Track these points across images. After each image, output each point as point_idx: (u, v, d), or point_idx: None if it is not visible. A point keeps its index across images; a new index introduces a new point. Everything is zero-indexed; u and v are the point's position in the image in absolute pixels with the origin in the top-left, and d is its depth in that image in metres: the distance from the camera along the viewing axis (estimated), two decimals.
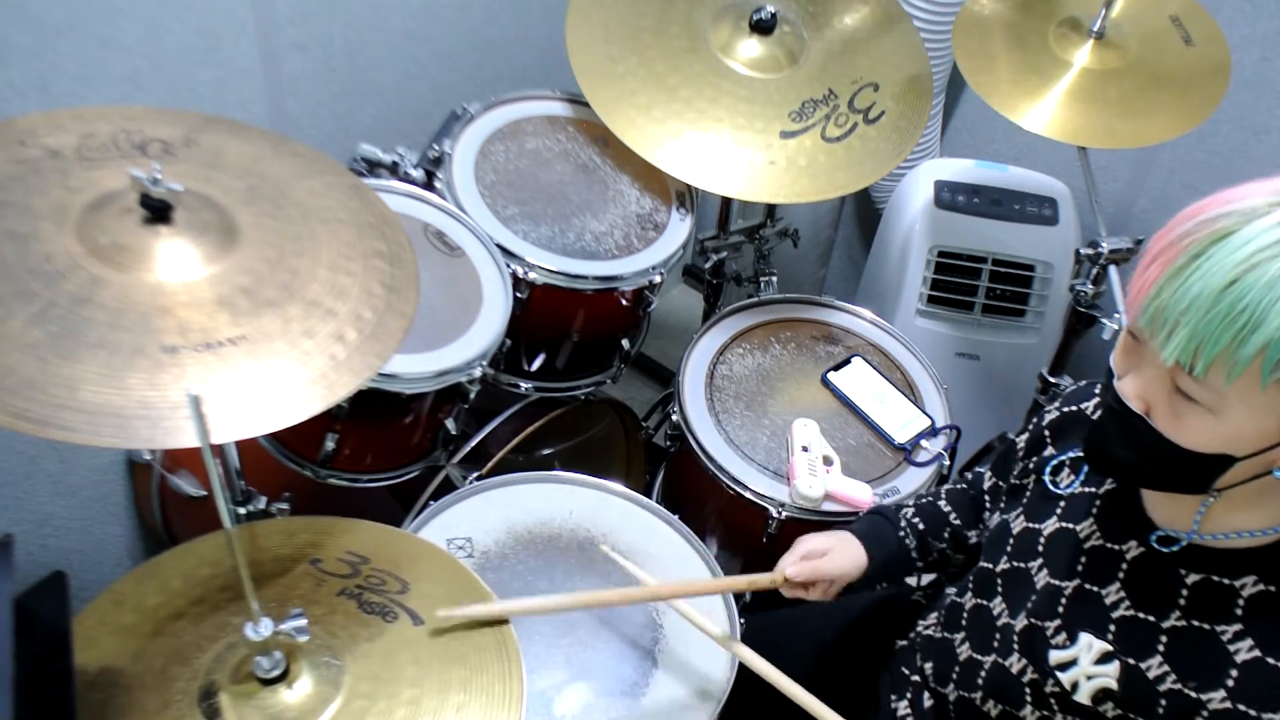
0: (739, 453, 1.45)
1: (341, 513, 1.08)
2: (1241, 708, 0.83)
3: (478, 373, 1.33)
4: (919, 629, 1.21)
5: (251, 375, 0.83)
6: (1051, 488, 1.04)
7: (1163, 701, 0.87)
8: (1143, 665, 0.89)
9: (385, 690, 0.89)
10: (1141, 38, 1.55)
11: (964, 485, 1.26)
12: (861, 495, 1.40)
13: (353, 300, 0.92)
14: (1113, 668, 0.91)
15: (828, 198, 1.53)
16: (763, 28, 1.56)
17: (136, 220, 0.86)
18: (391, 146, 1.52)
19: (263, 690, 0.86)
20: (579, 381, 1.65)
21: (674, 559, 1.31)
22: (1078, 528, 0.99)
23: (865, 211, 2.48)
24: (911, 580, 1.59)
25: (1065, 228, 1.97)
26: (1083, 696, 0.93)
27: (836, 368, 1.60)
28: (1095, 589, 0.95)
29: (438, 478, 1.50)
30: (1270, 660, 0.82)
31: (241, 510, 1.19)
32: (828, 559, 1.16)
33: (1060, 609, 0.97)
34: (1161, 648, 0.88)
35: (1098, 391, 1.07)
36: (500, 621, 0.98)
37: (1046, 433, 1.09)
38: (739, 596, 1.29)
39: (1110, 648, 0.92)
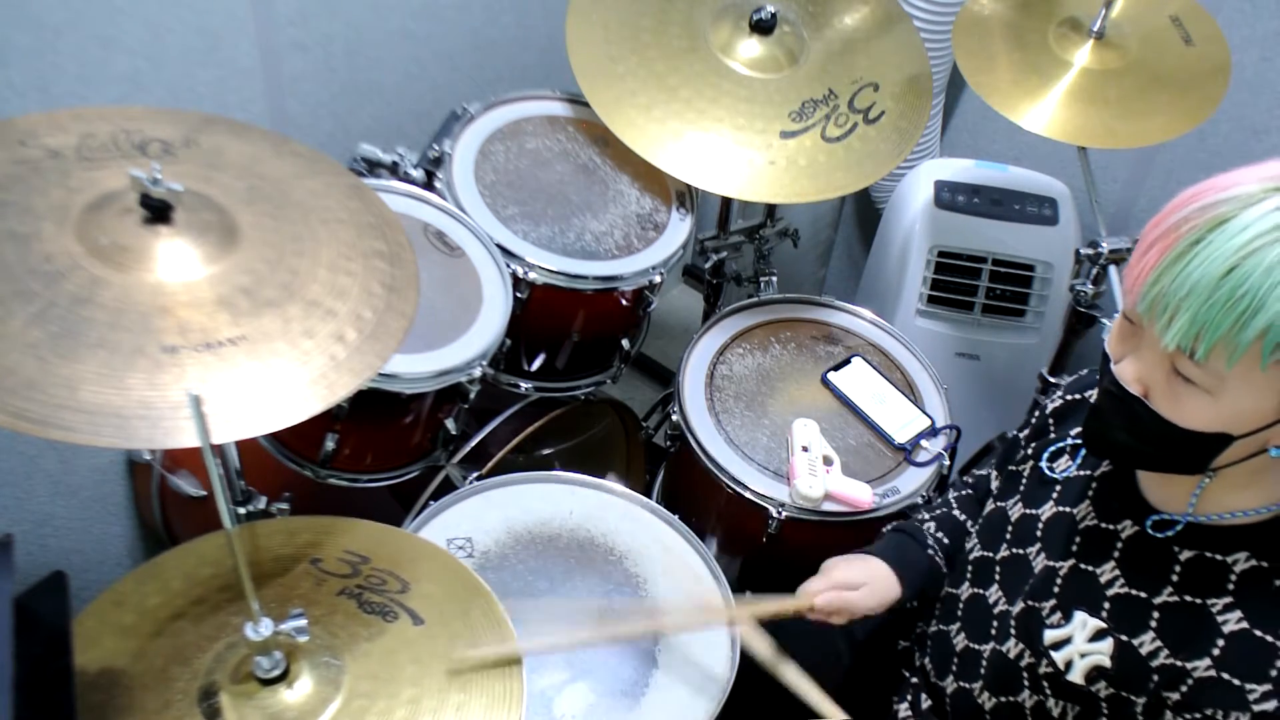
0: (739, 453, 1.45)
1: (341, 513, 1.08)
2: (1225, 676, 0.84)
3: (478, 373, 1.33)
4: (919, 628, 1.22)
5: (251, 375, 0.83)
6: (1048, 473, 1.05)
7: (1154, 677, 0.88)
8: (1135, 641, 0.90)
9: (385, 690, 0.89)
10: (1141, 38, 1.55)
11: (968, 491, 1.26)
12: (861, 495, 1.40)
13: (353, 300, 0.92)
14: (1106, 645, 0.92)
15: (828, 198, 1.53)
16: (763, 28, 1.56)
17: (136, 220, 0.86)
18: (391, 146, 1.52)
19: (263, 690, 0.86)
20: (579, 381, 1.65)
21: (674, 559, 1.31)
22: (1074, 510, 1.00)
23: (865, 211, 2.48)
24: None
25: (1065, 228, 1.97)
26: (1076, 676, 0.94)
27: (836, 368, 1.60)
28: (1090, 568, 0.96)
29: (438, 478, 1.50)
30: (1257, 632, 0.84)
31: (241, 510, 1.19)
32: (861, 594, 1.14)
33: (1056, 589, 0.98)
34: (1154, 623, 0.90)
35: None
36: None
37: (1050, 420, 1.11)
38: (738, 582, 1.29)
39: (1104, 625, 0.93)
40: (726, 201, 1.85)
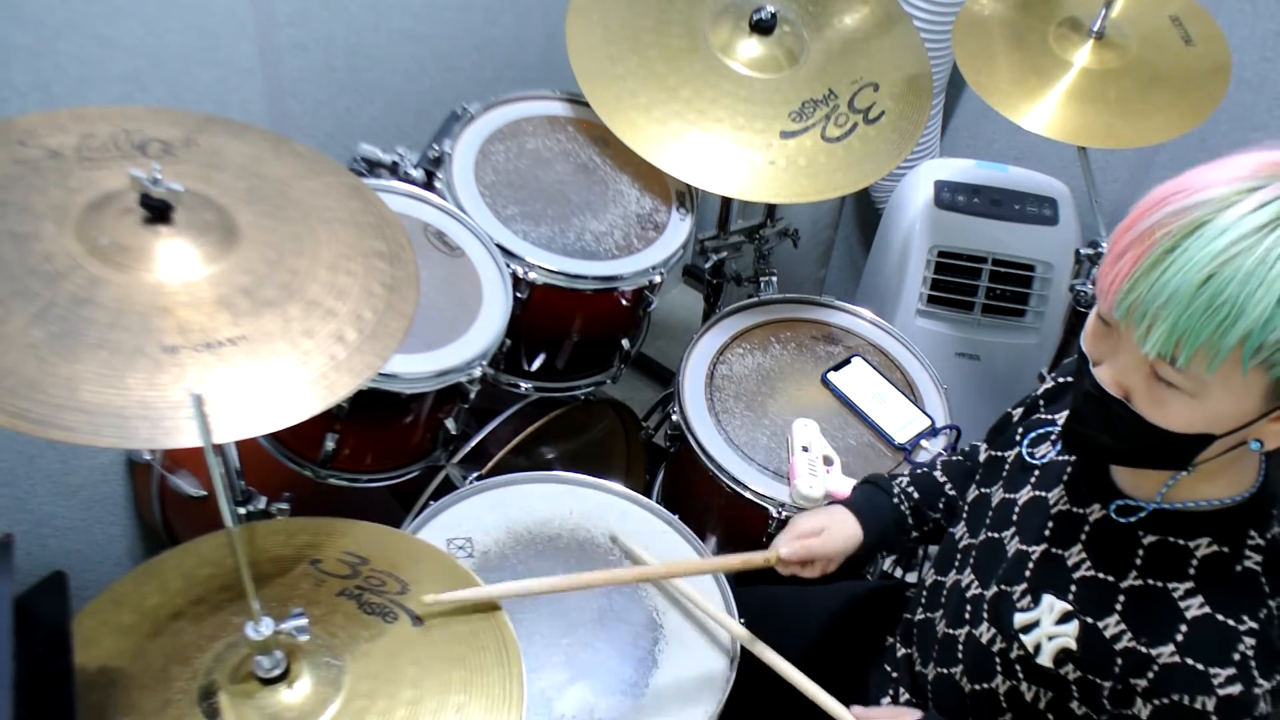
0: (739, 453, 1.45)
1: (341, 513, 1.08)
2: (1190, 661, 0.84)
3: (478, 373, 1.33)
4: (905, 618, 1.22)
5: (251, 375, 0.83)
6: (1029, 459, 1.06)
7: (1119, 660, 0.89)
8: (1100, 624, 0.91)
9: (385, 690, 0.89)
10: (1141, 38, 1.55)
11: (959, 457, 1.27)
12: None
13: (353, 300, 0.92)
14: (1072, 627, 0.92)
15: (828, 198, 1.53)
16: (763, 28, 1.56)
17: (136, 220, 0.86)
18: (391, 146, 1.52)
19: (263, 690, 0.86)
20: (579, 381, 1.65)
21: (674, 559, 1.30)
22: (1049, 495, 1.01)
23: (865, 211, 2.48)
24: (913, 577, 1.59)
25: (1065, 228, 1.97)
26: (1044, 659, 0.94)
27: (836, 368, 1.60)
28: (1059, 551, 0.97)
29: (438, 478, 1.50)
30: (1219, 617, 0.84)
31: (242, 510, 1.19)
32: (821, 539, 1.17)
33: (1027, 573, 0.99)
34: (1119, 606, 0.90)
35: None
36: (492, 607, 0.98)
37: (1041, 402, 1.12)
38: (731, 578, 1.29)
39: (1070, 608, 0.93)
40: (726, 201, 1.85)
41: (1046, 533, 0.99)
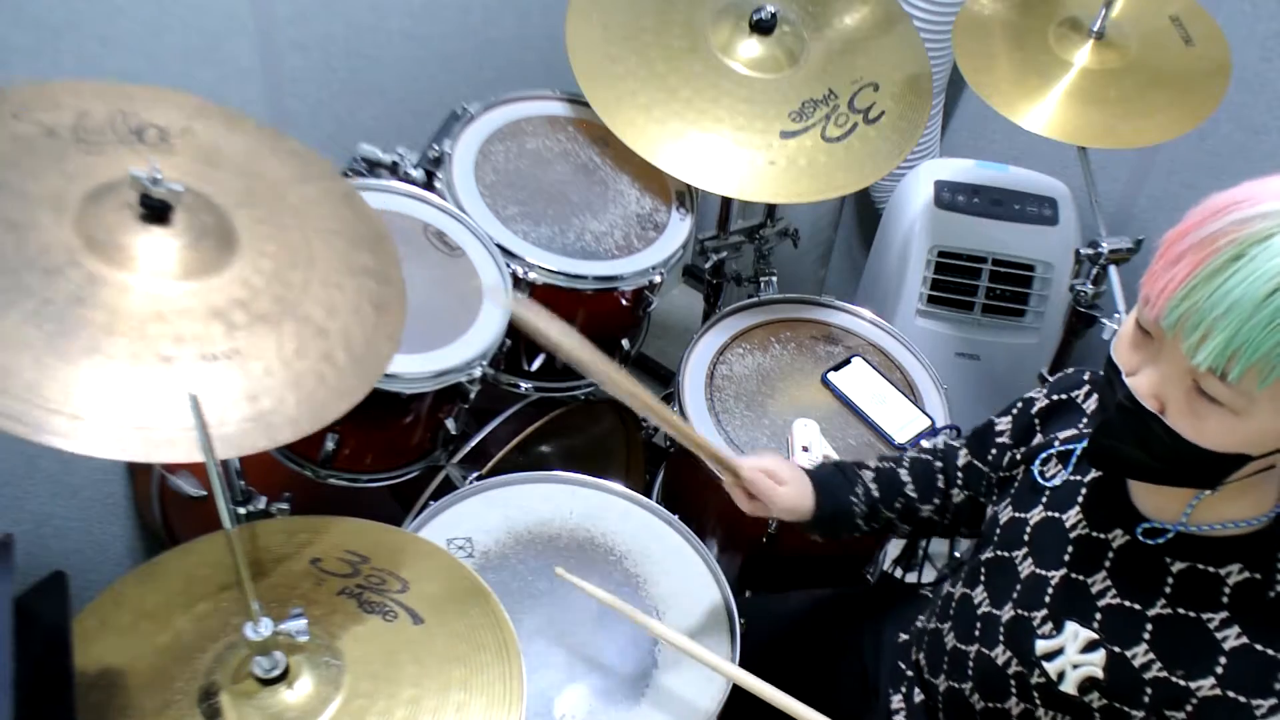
0: (739, 453, 1.45)
1: (341, 513, 1.08)
2: (1231, 694, 0.83)
3: (478, 373, 1.33)
4: (917, 623, 1.22)
5: (244, 390, 0.82)
6: (1040, 480, 1.04)
7: (1148, 690, 0.88)
8: (1128, 653, 0.89)
9: (385, 690, 0.89)
10: (1141, 38, 1.55)
11: (929, 456, 1.23)
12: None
13: (342, 318, 0.91)
14: (1098, 656, 0.91)
15: (828, 198, 1.53)
16: (763, 28, 1.56)
17: (134, 216, 0.85)
18: (391, 146, 1.52)
19: (263, 690, 0.86)
20: (579, 381, 1.64)
21: (674, 559, 1.31)
22: (1063, 516, 0.99)
23: (865, 211, 2.48)
24: (912, 576, 1.59)
25: (1065, 228, 1.97)
26: (1069, 686, 0.93)
27: (836, 368, 1.60)
28: (1081, 578, 0.95)
29: (438, 478, 1.50)
30: (1258, 646, 0.83)
31: (241, 510, 1.19)
32: (784, 490, 1.14)
33: (1047, 599, 0.97)
34: (1147, 635, 0.89)
35: (1086, 379, 1.07)
36: (489, 602, 0.98)
37: (1036, 421, 1.09)
38: (733, 581, 1.29)
39: (1096, 636, 0.92)
40: (726, 201, 1.85)
41: (1066, 557, 0.97)
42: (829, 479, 1.20)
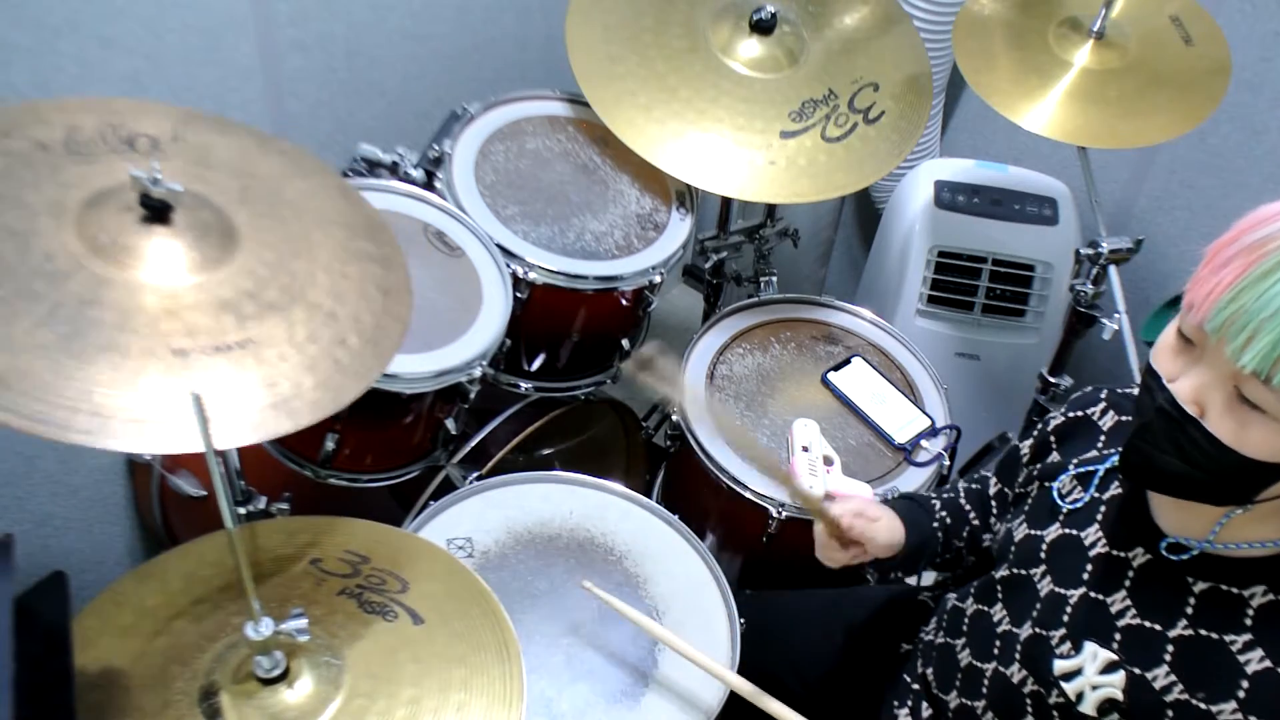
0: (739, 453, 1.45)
1: (341, 513, 1.08)
2: (1253, 719, 0.82)
3: (478, 373, 1.33)
4: (922, 635, 1.21)
5: (259, 379, 0.83)
6: (1058, 500, 1.03)
7: (1169, 712, 0.86)
8: (1149, 675, 0.88)
9: (385, 690, 0.89)
10: (1141, 38, 1.55)
11: (978, 485, 1.25)
12: (862, 495, 1.40)
13: (351, 304, 0.92)
14: (1118, 677, 0.89)
15: (828, 198, 1.53)
16: (763, 28, 1.56)
17: (135, 218, 0.86)
18: (391, 146, 1.52)
19: (263, 690, 0.86)
20: (579, 381, 1.64)
21: (674, 559, 1.31)
22: (1083, 534, 0.98)
23: (865, 211, 2.48)
24: (912, 580, 1.59)
25: (1065, 228, 1.97)
26: (1088, 707, 0.91)
27: (836, 368, 1.60)
28: (1101, 597, 0.94)
29: (438, 478, 1.50)
30: None
31: (242, 510, 1.19)
32: (878, 525, 1.13)
33: (1065, 617, 0.96)
34: (1168, 657, 0.87)
35: (1104, 397, 1.06)
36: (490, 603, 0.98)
37: (1052, 438, 1.08)
38: (733, 582, 1.29)
39: (1116, 657, 0.90)
40: (726, 201, 1.85)
41: (1085, 576, 0.95)
42: (909, 511, 1.19)
